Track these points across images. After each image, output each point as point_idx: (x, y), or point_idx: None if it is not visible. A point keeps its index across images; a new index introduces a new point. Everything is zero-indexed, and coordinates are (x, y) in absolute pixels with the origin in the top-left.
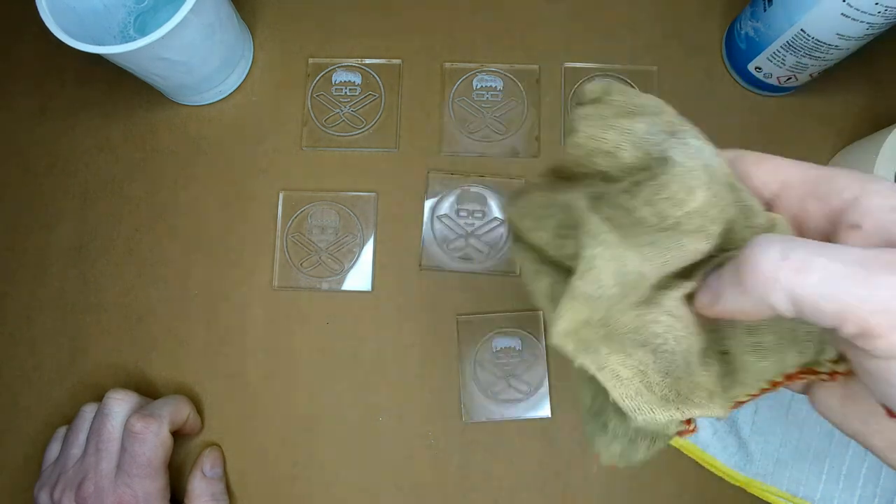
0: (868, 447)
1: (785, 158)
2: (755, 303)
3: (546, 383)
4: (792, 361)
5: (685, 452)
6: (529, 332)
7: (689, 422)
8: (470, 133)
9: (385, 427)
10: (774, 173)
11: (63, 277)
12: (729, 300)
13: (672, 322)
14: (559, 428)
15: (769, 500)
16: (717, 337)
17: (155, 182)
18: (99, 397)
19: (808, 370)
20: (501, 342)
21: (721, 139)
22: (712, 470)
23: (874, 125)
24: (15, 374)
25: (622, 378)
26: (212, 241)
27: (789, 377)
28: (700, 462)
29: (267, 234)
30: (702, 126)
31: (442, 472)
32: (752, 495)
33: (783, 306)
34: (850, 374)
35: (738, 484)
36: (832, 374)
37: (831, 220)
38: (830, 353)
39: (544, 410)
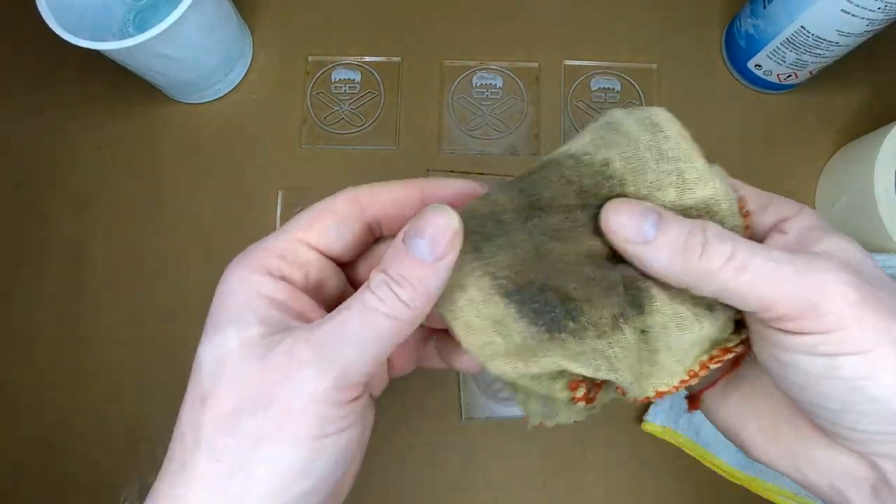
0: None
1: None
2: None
3: None
4: (708, 331)
5: (686, 451)
6: None
7: (576, 387)
8: (469, 131)
9: (384, 425)
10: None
11: (62, 275)
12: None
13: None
14: (559, 426)
15: (771, 499)
16: (640, 314)
17: (154, 180)
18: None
19: (723, 349)
20: None
21: (721, 137)
22: (714, 468)
23: (875, 122)
24: (13, 374)
25: (473, 328)
26: (211, 238)
27: (708, 362)
28: (701, 460)
29: (266, 232)
30: (702, 124)
31: (442, 471)
32: (754, 494)
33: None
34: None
35: (739, 482)
36: (743, 342)
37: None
38: (730, 328)
39: None
